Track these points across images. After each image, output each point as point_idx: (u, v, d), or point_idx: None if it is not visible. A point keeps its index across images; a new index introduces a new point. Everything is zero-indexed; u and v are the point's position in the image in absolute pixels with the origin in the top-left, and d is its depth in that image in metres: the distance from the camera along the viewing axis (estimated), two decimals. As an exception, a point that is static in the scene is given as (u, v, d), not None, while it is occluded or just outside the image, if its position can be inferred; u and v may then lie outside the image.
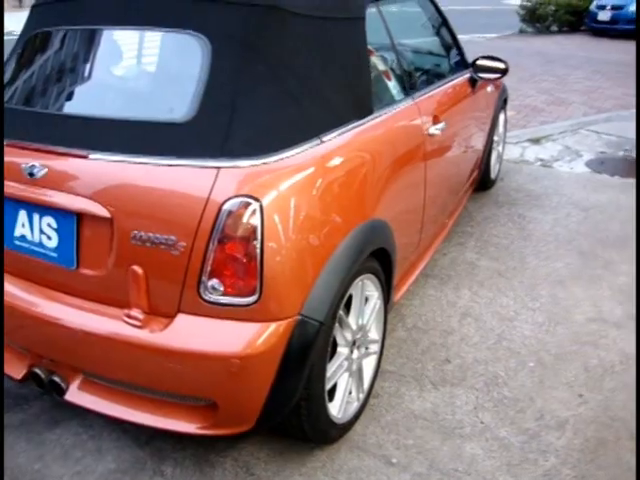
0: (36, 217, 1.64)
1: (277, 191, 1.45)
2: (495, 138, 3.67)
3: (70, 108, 1.73)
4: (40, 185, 1.59)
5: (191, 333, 1.48)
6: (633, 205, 3.63)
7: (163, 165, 1.47)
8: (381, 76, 2.08)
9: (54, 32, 1.86)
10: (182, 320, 1.49)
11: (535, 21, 12.57)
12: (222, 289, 1.44)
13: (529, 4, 12.64)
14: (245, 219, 1.40)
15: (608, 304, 2.61)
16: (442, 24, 2.87)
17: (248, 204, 1.40)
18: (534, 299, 2.67)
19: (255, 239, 1.40)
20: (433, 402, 2.05)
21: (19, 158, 1.64)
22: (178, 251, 1.43)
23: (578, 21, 12.66)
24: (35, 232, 1.65)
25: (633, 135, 5.03)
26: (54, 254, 1.62)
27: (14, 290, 1.73)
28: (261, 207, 1.40)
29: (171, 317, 1.50)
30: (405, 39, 2.41)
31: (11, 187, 1.65)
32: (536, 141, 4.98)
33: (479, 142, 3.24)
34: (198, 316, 1.48)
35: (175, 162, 1.46)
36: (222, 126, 1.47)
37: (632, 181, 4.05)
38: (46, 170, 1.58)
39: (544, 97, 6.52)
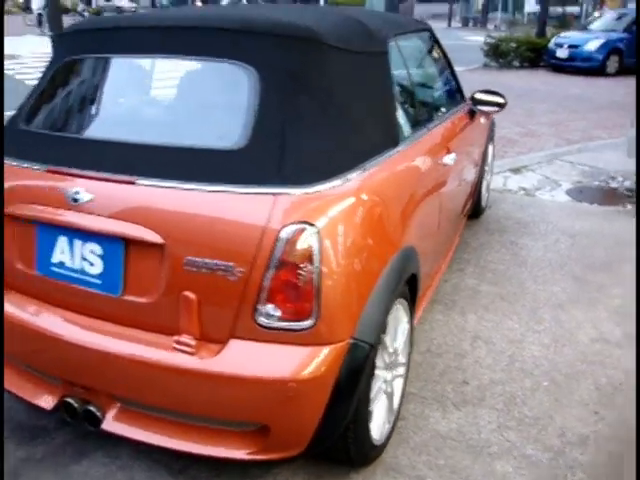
0: (78, 243, 1.64)
1: (331, 217, 1.51)
2: (486, 168, 3.84)
3: (115, 134, 1.75)
4: (84, 211, 1.59)
5: (245, 358, 1.50)
6: (615, 232, 3.84)
7: (218, 191, 1.50)
8: (401, 107, 2.18)
9: (92, 59, 1.90)
10: (235, 346, 1.51)
11: (498, 56, 13.18)
12: (278, 314, 1.47)
13: (492, 41, 13.28)
14: (303, 245, 1.45)
15: (607, 325, 2.75)
16: (444, 58, 3.03)
17: (305, 230, 1.45)
18: (538, 322, 2.78)
19: (312, 264, 1.45)
20: (457, 422, 2.11)
21: (61, 184, 1.65)
22: (235, 277, 1.46)
23: (537, 57, 13.35)
24: (76, 258, 1.65)
25: (604, 165, 5.34)
26: (97, 281, 1.62)
27: (49, 319, 1.71)
28: (318, 233, 1.46)
29: (223, 343, 1.52)
30: (416, 72, 2.54)
31: (51, 213, 1.65)
32: (516, 171, 5.21)
33: (475, 171, 3.39)
34: (251, 341, 1.51)
35: (231, 189, 1.49)
36: (275, 154, 1.52)
37: (611, 209, 4.29)
38: (92, 196, 1.58)
39: (517, 129, 6.83)
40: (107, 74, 1.87)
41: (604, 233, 3.83)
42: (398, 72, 2.22)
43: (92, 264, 1.62)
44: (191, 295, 1.50)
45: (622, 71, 12.45)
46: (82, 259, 1.64)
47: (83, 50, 1.91)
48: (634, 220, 4.00)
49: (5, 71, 11.86)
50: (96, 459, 1.95)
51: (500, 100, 3.05)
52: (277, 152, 1.52)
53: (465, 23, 27.75)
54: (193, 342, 1.52)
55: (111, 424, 1.69)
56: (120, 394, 1.68)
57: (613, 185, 4.83)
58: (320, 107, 1.64)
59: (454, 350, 2.54)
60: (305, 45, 1.66)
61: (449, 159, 2.41)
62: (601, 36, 12.59)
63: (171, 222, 1.51)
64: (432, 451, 1.98)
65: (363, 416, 1.67)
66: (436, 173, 2.27)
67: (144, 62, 1.85)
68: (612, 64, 12.39)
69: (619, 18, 13.51)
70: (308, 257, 1.45)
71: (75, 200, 1.59)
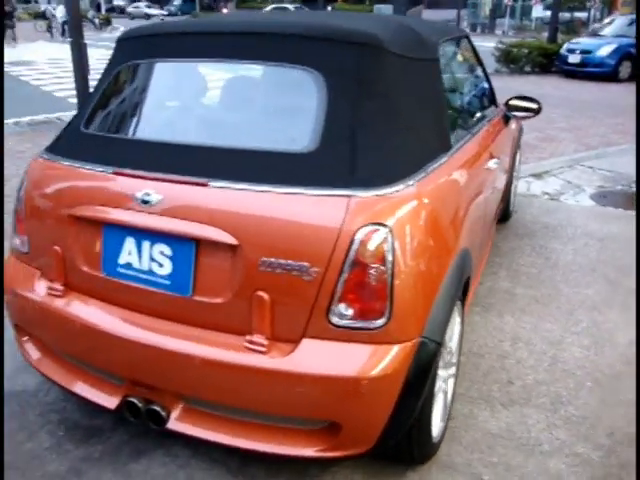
0: (146, 244, 1.69)
1: (401, 220, 1.56)
2: (514, 173, 3.88)
3: (182, 137, 1.80)
4: (154, 212, 1.64)
5: (319, 357, 1.54)
6: (643, 235, 3.87)
7: (292, 193, 1.54)
8: (450, 113, 2.23)
9: (153, 64, 1.95)
10: (308, 345, 1.55)
11: (510, 62, 13.24)
12: (351, 313, 1.52)
13: (503, 46, 13.34)
14: (377, 246, 1.49)
15: (645, 327, 2.78)
16: (480, 64, 3.08)
17: (379, 231, 1.50)
18: (575, 324, 2.82)
19: (385, 264, 1.50)
20: (506, 421, 2.15)
21: (129, 186, 1.70)
22: (310, 277, 1.50)
23: (549, 63, 13.40)
24: (144, 260, 1.70)
25: (624, 170, 5.37)
26: (166, 281, 1.67)
27: (115, 319, 1.76)
28: (391, 234, 1.50)
29: (295, 342, 1.56)
30: (460, 78, 2.60)
31: (119, 214, 1.69)
32: (538, 176, 5.25)
33: (506, 176, 3.44)
34: (324, 340, 1.55)
35: (305, 191, 1.54)
36: (346, 157, 1.57)
37: (633, 213, 4.32)
38: (161, 197, 1.63)
39: (535, 134, 6.87)
40: (169, 78, 1.93)
41: (631, 237, 3.86)
42: (445, 78, 2.27)
43: (161, 265, 1.67)
44: (264, 295, 1.54)
45: (634, 76, 12.47)
46: (151, 260, 1.69)
47: (144, 55, 1.96)
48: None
49: (21, 77, 12.03)
50: (155, 458, 1.99)
51: (534, 106, 3.10)
52: (348, 155, 1.57)
53: (473, 29, 27.84)
54: (265, 342, 1.56)
55: (176, 423, 1.74)
56: (187, 393, 1.72)
57: (635, 190, 4.86)
58: (384, 112, 1.69)
59: (495, 351, 2.58)
60: (369, 51, 1.71)
61: (493, 164, 2.46)
62: (613, 42, 12.63)
63: (245, 224, 1.55)
64: (484, 449, 2.02)
65: (427, 414, 1.71)
66: (483, 178, 2.32)
67: (205, 67, 1.91)
68: (625, 69, 12.43)
69: (631, 24, 13.53)
70: (382, 257, 1.50)
71: (145, 202, 1.64)
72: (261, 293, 1.54)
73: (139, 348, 1.70)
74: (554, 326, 2.80)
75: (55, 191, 1.87)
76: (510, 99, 3.14)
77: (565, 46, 13.10)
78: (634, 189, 4.86)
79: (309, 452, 1.63)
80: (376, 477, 1.90)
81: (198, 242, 1.61)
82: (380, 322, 1.52)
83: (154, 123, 1.91)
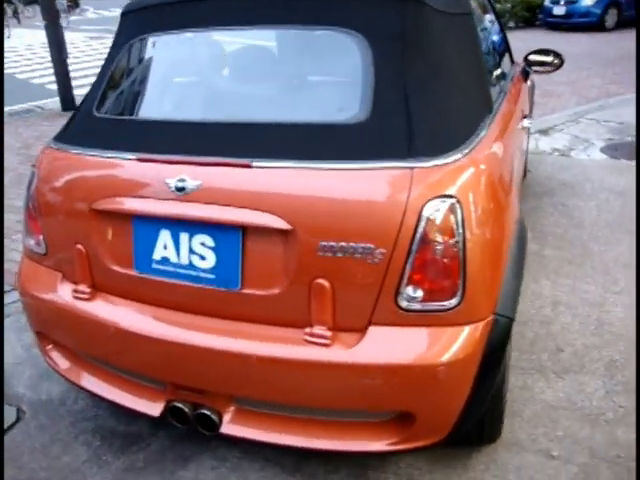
0: (184, 236, 1.53)
1: (467, 189, 1.42)
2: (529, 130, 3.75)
3: (213, 115, 1.63)
4: (191, 200, 1.48)
5: (388, 346, 1.42)
6: (664, 185, 3.78)
7: (349, 169, 1.39)
8: (487, 71, 2.08)
9: (167, 36, 1.76)
10: (376, 333, 1.43)
11: (493, 19, 12.98)
12: (422, 295, 1.39)
13: (486, 3, 13.05)
14: (447, 220, 1.36)
15: (685, 281, 2.69)
16: (497, 18, 2.91)
17: (449, 204, 1.36)
18: (613, 283, 2.72)
19: (457, 239, 1.36)
20: (564, 391, 2.06)
21: (159, 172, 1.53)
22: (376, 259, 1.36)
23: (533, 17, 13.15)
24: (183, 253, 1.54)
25: (629, 120, 5.25)
26: (210, 275, 1.52)
27: (153, 321, 1.62)
28: (460, 206, 1.37)
29: (361, 331, 1.44)
30: (485, 34, 2.43)
31: (150, 205, 1.53)
32: (545, 132, 5.11)
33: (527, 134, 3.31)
34: (392, 326, 1.42)
35: (362, 165, 1.39)
36: (402, 126, 1.42)
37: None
38: (199, 183, 1.47)
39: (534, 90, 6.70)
40: (189, 51, 1.74)
41: (653, 188, 3.76)
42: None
43: (203, 258, 1.52)
44: (325, 282, 1.40)
45: (620, 24, 12.29)
46: (190, 253, 1.53)
47: (157, 27, 1.76)
48: (680, 173, 3.94)
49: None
50: (203, 462, 1.88)
51: (555, 60, 2.94)
52: (404, 124, 1.42)
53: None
54: (328, 333, 1.43)
55: (230, 427, 1.62)
56: (240, 394, 1.60)
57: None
58: (434, 75, 1.53)
59: (537, 318, 2.48)
60: (413, 8, 1.53)
61: (527, 123, 2.32)
62: (597, -11, 12.38)
63: (299, 206, 1.40)
64: (547, 423, 1.93)
65: (500, 392, 1.61)
66: (520, 138, 2.19)
67: (227, 36, 1.72)
68: (611, 18, 12.23)
69: (612, -30, 13.26)
70: (452, 232, 1.36)
71: (180, 189, 1.48)
72: (321, 280, 1.41)
73: (183, 349, 1.56)
74: (592, 287, 2.70)
75: (73, 184, 1.69)
76: (529, 54, 2.99)
77: (548, -3, 12.84)
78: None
79: (379, 446, 1.52)
80: (440, 462, 1.81)
81: (245, 230, 1.46)
82: (453, 302, 1.39)
83: (179, 102, 1.73)
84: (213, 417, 1.61)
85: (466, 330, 1.41)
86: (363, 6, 1.54)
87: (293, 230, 1.40)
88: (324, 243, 1.39)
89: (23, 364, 2.40)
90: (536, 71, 3.00)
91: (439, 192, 1.37)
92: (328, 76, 1.64)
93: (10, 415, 2.13)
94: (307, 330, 1.45)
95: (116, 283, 1.68)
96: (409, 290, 1.39)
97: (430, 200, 1.35)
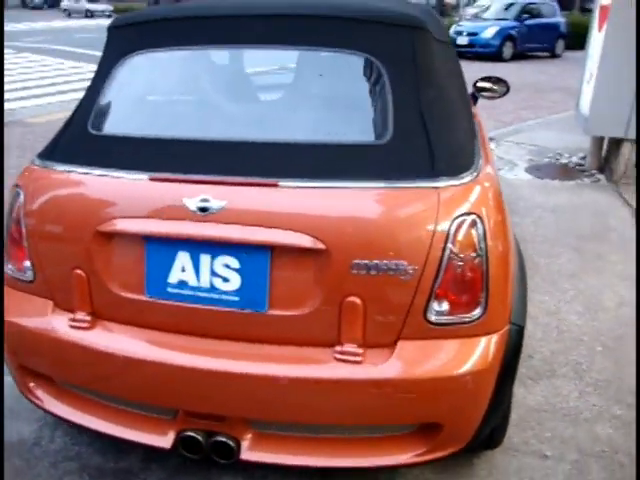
0: (205, 258, 1.49)
1: (485, 206, 1.50)
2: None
3: (231, 134, 1.60)
4: (215, 221, 1.45)
5: (418, 359, 1.46)
6: (587, 204, 4.18)
7: (379, 188, 1.44)
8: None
9: (170, 53, 1.71)
10: (405, 347, 1.47)
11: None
12: (449, 308, 1.45)
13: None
14: (472, 236, 1.44)
15: (623, 290, 2.99)
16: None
17: (471, 221, 1.44)
18: (563, 292, 2.97)
19: (480, 253, 1.45)
20: (542, 395, 2.21)
21: (177, 192, 1.48)
22: (408, 275, 1.41)
23: (439, 46, 14.04)
24: (203, 275, 1.50)
25: (544, 143, 5.76)
26: (233, 298, 1.49)
27: (164, 347, 1.55)
28: (482, 223, 1.45)
29: (389, 346, 1.47)
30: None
31: (168, 226, 1.48)
32: (473, 154, 5.46)
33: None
34: (420, 340, 1.47)
35: (391, 185, 1.44)
36: (424, 147, 1.48)
37: (572, 183, 4.65)
38: (224, 203, 1.45)
39: (454, 114, 7.16)
40: (197, 68, 1.70)
41: (578, 206, 4.15)
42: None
43: (226, 279, 1.49)
44: (357, 300, 1.43)
45: (515, 56, 13.46)
46: (212, 275, 1.49)
47: (158, 43, 1.71)
48: (599, 193, 4.38)
49: None
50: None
51: (501, 87, 3.18)
52: (425, 145, 1.49)
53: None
54: (359, 350, 1.45)
55: (250, 453, 1.58)
56: (264, 418, 1.56)
57: (563, 161, 5.23)
58: (441, 97, 1.62)
59: (504, 328, 2.65)
60: (421, 36, 1.62)
61: (493, 146, 2.49)
62: (495, 24, 13.52)
63: (332, 225, 1.42)
64: (534, 425, 2.06)
65: (510, 399, 1.70)
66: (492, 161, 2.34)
67: (235, 54, 1.71)
68: (507, 50, 13.37)
69: (507, 8, 14.54)
70: (477, 247, 1.44)
71: (203, 209, 1.45)
72: (353, 298, 1.43)
73: (199, 375, 1.51)
74: (545, 297, 2.92)
75: (72, 205, 1.59)
76: (477, 80, 3.20)
77: (452, 29, 13.80)
78: (561, 161, 5.24)
79: (404, 458, 1.55)
80: (446, 471, 1.87)
81: (273, 250, 1.46)
82: (477, 314, 1.47)
83: (192, 120, 1.67)
84: (231, 444, 1.57)
85: (488, 340, 1.49)
86: (377, 32, 1.60)
87: (326, 250, 1.42)
88: (357, 261, 1.41)
89: (-18, 404, 2.18)
90: (483, 97, 3.22)
91: (463, 210, 1.45)
92: (345, 97, 1.67)
93: (-23, 461, 1.92)
94: (337, 348, 1.46)
95: (121, 309, 1.59)
96: (437, 304, 1.44)
97: (456, 218, 1.43)
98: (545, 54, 14.66)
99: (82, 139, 1.68)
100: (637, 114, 4.13)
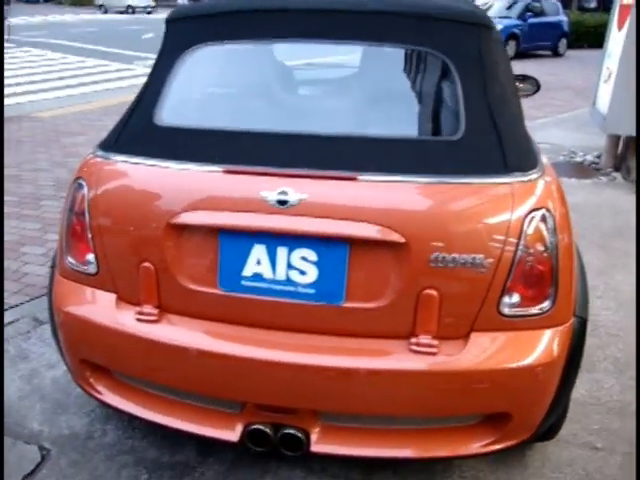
0: (282, 251, 1.51)
1: (552, 200, 1.54)
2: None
3: (304, 127, 1.61)
4: (294, 213, 1.46)
5: (491, 351, 1.49)
6: (607, 202, 4.22)
7: (457, 183, 1.47)
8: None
9: (235, 46, 1.71)
10: (478, 339, 1.49)
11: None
12: (521, 301, 1.48)
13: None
14: (543, 229, 1.47)
15: (652, 285, 3.03)
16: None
17: (542, 216, 1.47)
18: (594, 289, 2.98)
19: (550, 246, 1.48)
20: (585, 388, 2.24)
21: (253, 186, 1.50)
22: (484, 269, 1.44)
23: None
24: (279, 268, 1.52)
25: (558, 142, 5.80)
26: (309, 290, 1.51)
27: (234, 340, 1.56)
28: (551, 217, 1.48)
29: (462, 338, 1.50)
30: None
31: (244, 219, 1.49)
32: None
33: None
34: (492, 332, 1.50)
35: (467, 180, 1.47)
36: (496, 143, 1.51)
37: (589, 181, 4.69)
38: (304, 196, 1.46)
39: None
40: (261, 61, 1.71)
41: (598, 204, 4.19)
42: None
43: (303, 272, 1.50)
44: (434, 293, 1.45)
45: (518, 55, 13.50)
46: (289, 268, 1.51)
47: (221, 36, 1.71)
48: (617, 191, 4.42)
49: None
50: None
51: (533, 86, 3.20)
52: (496, 141, 1.52)
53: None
54: (435, 342, 1.48)
55: (320, 445, 1.60)
56: (336, 410, 1.58)
57: (578, 159, 5.27)
58: (504, 94, 1.65)
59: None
60: (484, 32, 1.64)
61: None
62: (499, 22, 13.50)
63: (412, 219, 1.45)
64: (582, 418, 2.08)
65: (571, 391, 1.73)
66: None
67: (299, 48, 1.72)
68: (510, 49, 13.38)
69: (510, 7, 14.58)
70: (547, 241, 1.48)
71: (282, 202, 1.46)
72: (430, 291, 1.45)
73: (272, 369, 1.53)
74: (577, 293, 2.95)
75: (144, 197, 1.59)
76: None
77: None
78: (576, 159, 5.28)
79: (473, 448, 1.58)
80: (500, 462, 1.90)
81: (351, 242, 1.47)
82: (546, 306, 1.50)
83: (260, 112, 1.68)
84: (300, 436, 1.58)
85: (556, 332, 1.52)
86: (446, 29, 1.61)
87: (406, 243, 1.44)
88: (437, 255, 1.44)
89: (29, 397, 2.19)
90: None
91: (534, 205, 1.48)
92: (416, 93, 1.70)
93: (33, 455, 1.93)
94: (413, 340, 1.49)
95: (191, 303, 1.60)
96: (510, 296, 1.47)
97: (530, 213, 1.46)
98: (547, 53, 14.73)
99: (147, 131, 1.68)
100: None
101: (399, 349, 1.49)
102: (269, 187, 1.48)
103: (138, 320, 1.63)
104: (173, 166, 1.58)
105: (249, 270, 1.53)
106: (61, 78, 9.68)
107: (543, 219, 1.48)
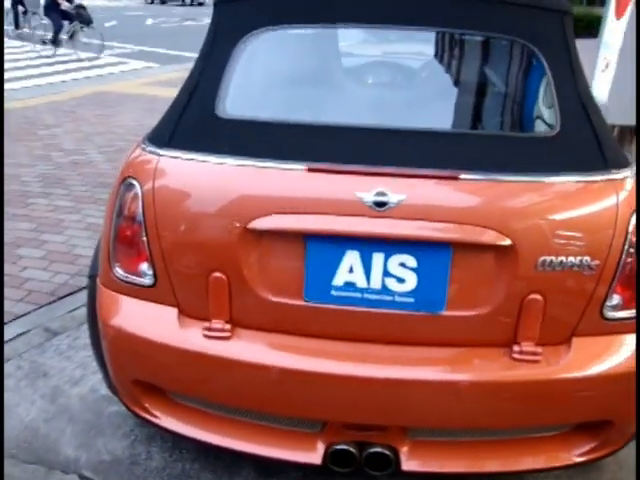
0: (378, 257, 1.37)
1: None
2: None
3: (389, 122, 1.48)
4: (392, 216, 1.33)
5: (595, 355, 1.42)
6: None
7: (561, 182, 1.38)
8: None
9: (300, 31, 1.56)
10: (581, 344, 1.41)
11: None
12: (622, 303, 1.41)
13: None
14: None
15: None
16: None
17: None
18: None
19: None
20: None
21: (345, 186, 1.35)
22: (591, 271, 1.35)
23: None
24: (374, 276, 1.38)
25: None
26: (408, 299, 1.38)
27: (319, 355, 1.43)
28: None
29: (564, 343, 1.42)
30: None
31: (336, 223, 1.34)
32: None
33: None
34: (594, 337, 1.42)
35: (570, 178, 1.38)
36: (593, 139, 1.42)
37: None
38: (404, 197, 1.33)
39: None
40: (329, 49, 1.56)
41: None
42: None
43: (401, 280, 1.37)
44: (538, 297, 1.36)
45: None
46: (385, 275, 1.37)
47: (281, 20, 1.53)
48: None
49: None
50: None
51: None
52: (592, 136, 1.42)
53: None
54: (538, 349, 1.39)
55: (411, 463, 1.48)
56: (433, 425, 1.48)
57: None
58: (587, 86, 1.55)
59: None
60: (568, 20, 1.53)
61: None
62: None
63: (519, 221, 1.34)
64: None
65: None
66: None
67: (370, 35, 1.57)
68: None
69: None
70: None
71: (380, 204, 1.32)
72: (534, 296, 1.36)
73: (361, 384, 1.40)
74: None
75: (212, 200, 1.42)
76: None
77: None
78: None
79: (569, 458, 1.50)
80: (575, 467, 1.81)
81: (454, 246, 1.35)
82: None
83: (339, 105, 1.53)
84: (389, 454, 1.46)
85: None
86: (529, 15, 1.50)
87: (513, 246, 1.33)
88: (545, 258, 1.34)
89: (56, 419, 1.98)
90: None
91: (635, 202, 1.40)
92: (505, 85, 1.58)
93: (74, 485, 1.74)
94: (515, 348, 1.39)
95: (268, 316, 1.45)
96: (613, 299, 1.40)
97: (634, 211, 1.38)
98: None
99: (209, 124, 1.48)
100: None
101: (502, 358, 1.40)
102: (364, 187, 1.34)
103: (206, 337, 1.46)
104: (246, 164, 1.41)
105: (340, 279, 1.39)
106: (27, 67, 9.15)
107: None
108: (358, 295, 1.39)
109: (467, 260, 1.36)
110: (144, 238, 1.47)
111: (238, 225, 1.38)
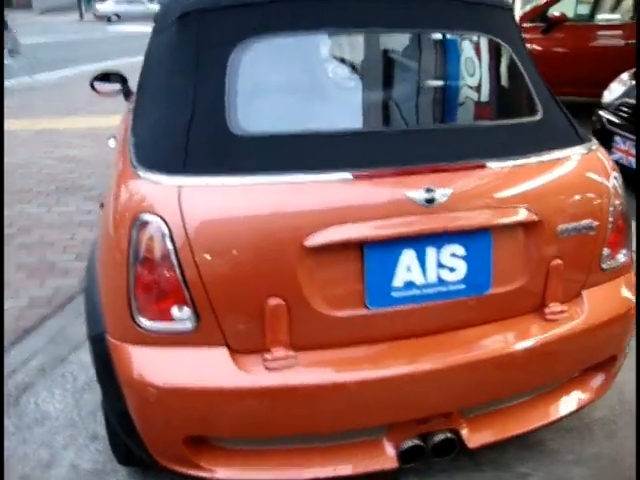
0: (431, 251, 1.42)
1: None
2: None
3: (415, 121, 1.63)
4: (442, 211, 1.39)
5: (605, 302, 1.64)
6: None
7: (566, 158, 1.58)
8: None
9: (292, 38, 1.52)
10: (590, 295, 1.62)
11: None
12: (611, 254, 1.64)
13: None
14: (619, 188, 1.64)
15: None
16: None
17: (616, 176, 1.65)
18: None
19: (624, 203, 1.65)
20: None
21: (394, 188, 1.38)
22: (594, 231, 1.56)
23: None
24: (430, 270, 1.43)
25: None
26: (460, 286, 1.46)
27: (386, 359, 1.43)
28: (620, 176, 1.68)
29: (577, 297, 1.61)
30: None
31: (391, 226, 1.36)
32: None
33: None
34: (595, 287, 1.63)
35: (571, 153, 1.59)
36: (569, 119, 1.67)
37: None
38: (450, 190, 1.39)
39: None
40: (327, 54, 1.56)
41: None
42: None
43: (452, 269, 1.44)
44: (559, 262, 1.53)
45: None
46: (439, 267, 1.43)
47: (272, 27, 1.47)
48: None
49: None
50: None
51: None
52: (564, 114, 1.68)
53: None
54: (565, 307, 1.56)
55: (473, 439, 1.56)
56: (491, 399, 1.57)
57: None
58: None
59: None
60: (512, 16, 1.77)
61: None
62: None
63: (540, 197, 1.50)
64: None
65: None
66: None
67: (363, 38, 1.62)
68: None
69: None
70: (621, 197, 1.64)
71: (430, 200, 1.37)
72: (557, 261, 1.53)
73: (426, 378, 1.44)
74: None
75: (260, 223, 1.33)
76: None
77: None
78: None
79: (593, 393, 1.72)
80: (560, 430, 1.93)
81: (493, 230, 1.46)
82: (624, 254, 1.67)
83: (355, 111, 1.58)
84: (453, 438, 1.53)
85: (631, 275, 1.73)
86: (493, 13, 1.69)
87: (539, 221, 1.48)
88: (562, 226, 1.52)
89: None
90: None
91: (614, 167, 1.66)
92: (498, 79, 1.75)
93: None
94: (547, 310, 1.56)
95: (331, 331, 1.41)
96: (606, 252, 1.62)
97: (613, 172, 1.64)
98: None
99: (225, 143, 1.37)
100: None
101: (538, 321, 1.56)
102: (412, 187, 1.37)
103: (269, 369, 1.37)
104: (287, 180, 1.35)
105: (399, 279, 1.41)
106: None
107: (615, 178, 1.65)
108: (417, 292, 1.43)
109: (504, 240, 1.48)
110: (179, 278, 1.32)
111: (293, 244, 1.32)
